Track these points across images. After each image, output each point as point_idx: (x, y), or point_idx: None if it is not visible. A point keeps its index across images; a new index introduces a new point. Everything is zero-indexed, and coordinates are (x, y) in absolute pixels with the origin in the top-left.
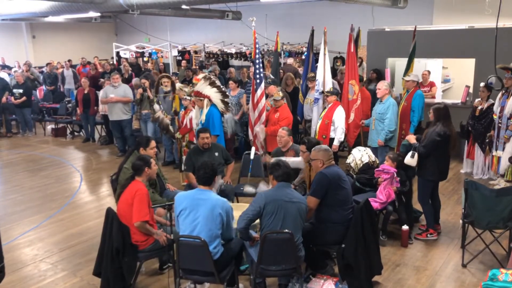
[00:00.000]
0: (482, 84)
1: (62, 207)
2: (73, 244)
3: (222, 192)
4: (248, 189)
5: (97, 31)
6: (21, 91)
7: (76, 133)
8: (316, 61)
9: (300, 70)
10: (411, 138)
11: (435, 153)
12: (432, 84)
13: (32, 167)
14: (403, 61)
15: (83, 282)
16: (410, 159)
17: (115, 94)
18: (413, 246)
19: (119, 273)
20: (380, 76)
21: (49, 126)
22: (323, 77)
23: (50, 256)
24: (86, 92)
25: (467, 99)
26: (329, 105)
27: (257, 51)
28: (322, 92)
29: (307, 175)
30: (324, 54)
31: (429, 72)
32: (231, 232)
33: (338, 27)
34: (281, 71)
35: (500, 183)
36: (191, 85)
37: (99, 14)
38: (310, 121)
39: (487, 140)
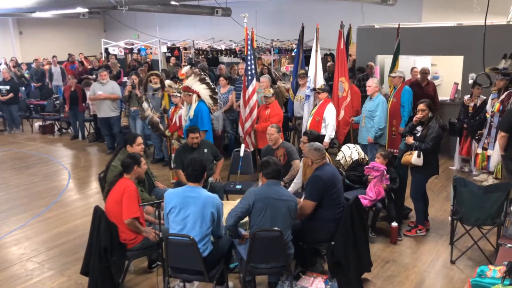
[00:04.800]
0: (470, 81)
1: (50, 205)
2: (60, 243)
3: (212, 190)
4: None
5: (85, 27)
6: (7, 87)
7: (64, 130)
8: (306, 58)
9: (290, 67)
10: (409, 140)
11: (437, 147)
12: None
13: (19, 165)
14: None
15: (70, 282)
16: (418, 159)
17: (103, 91)
18: (402, 243)
19: (107, 272)
20: (367, 75)
21: (37, 123)
22: (315, 74)
23: (37, 255)
24: (73, 89)
25: (456, 96)
26: (320, 102)
27: (249, 47)
28: (314, 89)
29: (304, 178)
30: (316, 51)
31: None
32: (222, 229)
33: (328, 24)
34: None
35: (489, 180)
36: (179, 81)
37: (87, 10)
38: (300, 118)
39: (476, 137)
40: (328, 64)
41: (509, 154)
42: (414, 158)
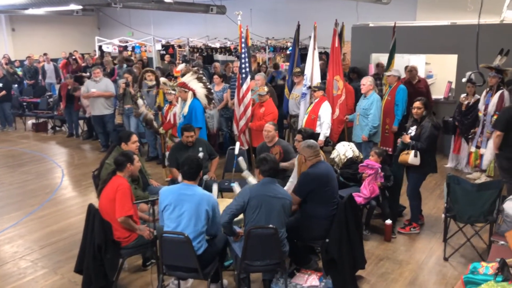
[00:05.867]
0: (464, 80)
1: (43, 203)
2: (54, 241)
3: (206, 188)
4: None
5: (78, 24)
6: (0, 85)
7: (57, 128)
8: (301, 56)
9: (285, 65)
10: (406, 138)
11: (433, 146)
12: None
13: (12, 163)
14: (387, 57)
15: (64, 280)
16: (415, 159)
17: (96, 89)
18: (396, 240)
19: (101, 270)
20: (360, 75)
21: (30, 121)
22: (311, 72)
23: (30, 253)
24: (69, 87)
25: (450, 94)
26: (316, 100)
27: (243, 45)
28: (310, 87)
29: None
30: (314, 49)
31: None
32: (217, 227)
33: (323, 22)
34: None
35: (481, 178)
36: (173, 79)
37: (80, 7)
38: (295, 116)
39: (469, 136)
40: (320, 62)
41: (504, 153)
42: (411, 158)
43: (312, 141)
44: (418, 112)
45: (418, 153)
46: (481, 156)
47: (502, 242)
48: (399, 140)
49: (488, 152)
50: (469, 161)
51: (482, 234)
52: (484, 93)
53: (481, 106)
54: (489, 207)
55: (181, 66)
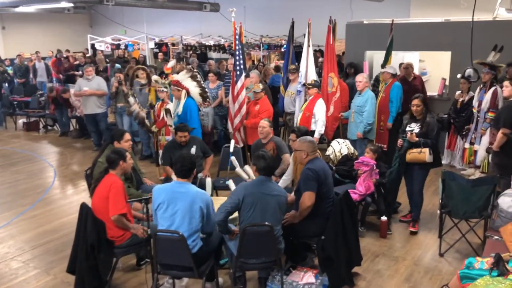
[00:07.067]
0: (458, 75)
1: (35, 203)
2: (46, 241)
3: (201, 186)
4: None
5: (70, 22)
6: None
7: (49, 127)
8: (296, 54)
9: (280, 63)
10: (413, 137)
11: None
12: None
13: (3, 162)
14: (382, 54)
15: (56, 280)
16: (430, 156)
17: (88, 87)
18: (391, 237)
19: (95, 269)
20: (357, 71)
21: (21, 120)
22: (306, 69)
23: (21, 254)
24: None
25: (443, 91)
26: (310, 98)
27: (237, 42)
28: (304, 84)
29: (295, 175)
30: (308, 46)
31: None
32: (212, 225)
33: (317, 20)
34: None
35: (476, 174)
36: (165, 77)
37: (72, 4)
38: (290, 113)
39: (463, 133)
40: (320, 59)
41: (507, 151)
42: (428, 156)
43: (310, 137)
44: (417, 109)
45: (431, 150)
46: (475, 152)
47: (497, 237)
48: (400, 142)
49: (482, 148)
50: (463, 158)
51: (477, 229)
52: (477, 89)
53: (475, 102)
54: (484, 203)
55: (172, 63)
